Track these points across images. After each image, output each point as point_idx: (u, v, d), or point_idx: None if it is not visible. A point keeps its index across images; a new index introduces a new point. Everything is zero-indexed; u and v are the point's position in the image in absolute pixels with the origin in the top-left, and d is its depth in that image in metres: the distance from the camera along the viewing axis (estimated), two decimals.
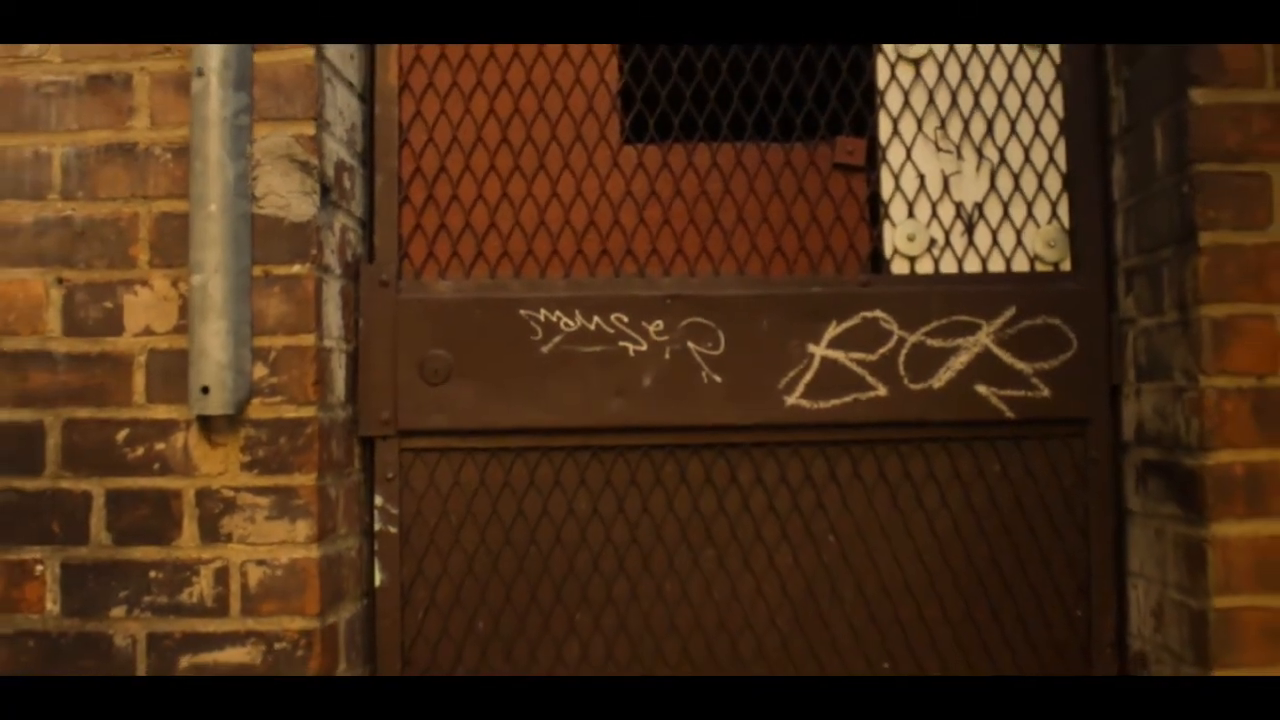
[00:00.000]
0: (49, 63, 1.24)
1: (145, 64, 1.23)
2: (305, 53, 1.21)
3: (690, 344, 1.36)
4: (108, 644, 1.20)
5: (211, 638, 1.18)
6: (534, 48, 1.41)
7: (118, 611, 1.19)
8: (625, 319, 1.36)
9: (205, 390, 1.16)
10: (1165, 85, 1.26)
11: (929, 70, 1.42)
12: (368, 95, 1.39)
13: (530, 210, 1.41)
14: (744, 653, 1.36)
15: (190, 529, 1.19)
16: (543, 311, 1.35)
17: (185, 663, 1.18)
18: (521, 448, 1.36)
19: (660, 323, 1.36)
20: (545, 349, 1.35)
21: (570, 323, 1.35)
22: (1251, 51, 1.21)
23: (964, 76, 1.42)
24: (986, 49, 1.42)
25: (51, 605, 1.20)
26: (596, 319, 1.35)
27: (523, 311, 1.35)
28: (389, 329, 1.34)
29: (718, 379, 1.35)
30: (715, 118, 1.42)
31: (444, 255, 1.40)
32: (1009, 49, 1.42)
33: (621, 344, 1.36)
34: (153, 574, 1.19)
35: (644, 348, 1.36)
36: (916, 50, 1.42)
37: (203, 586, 1.19)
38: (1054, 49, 1.42)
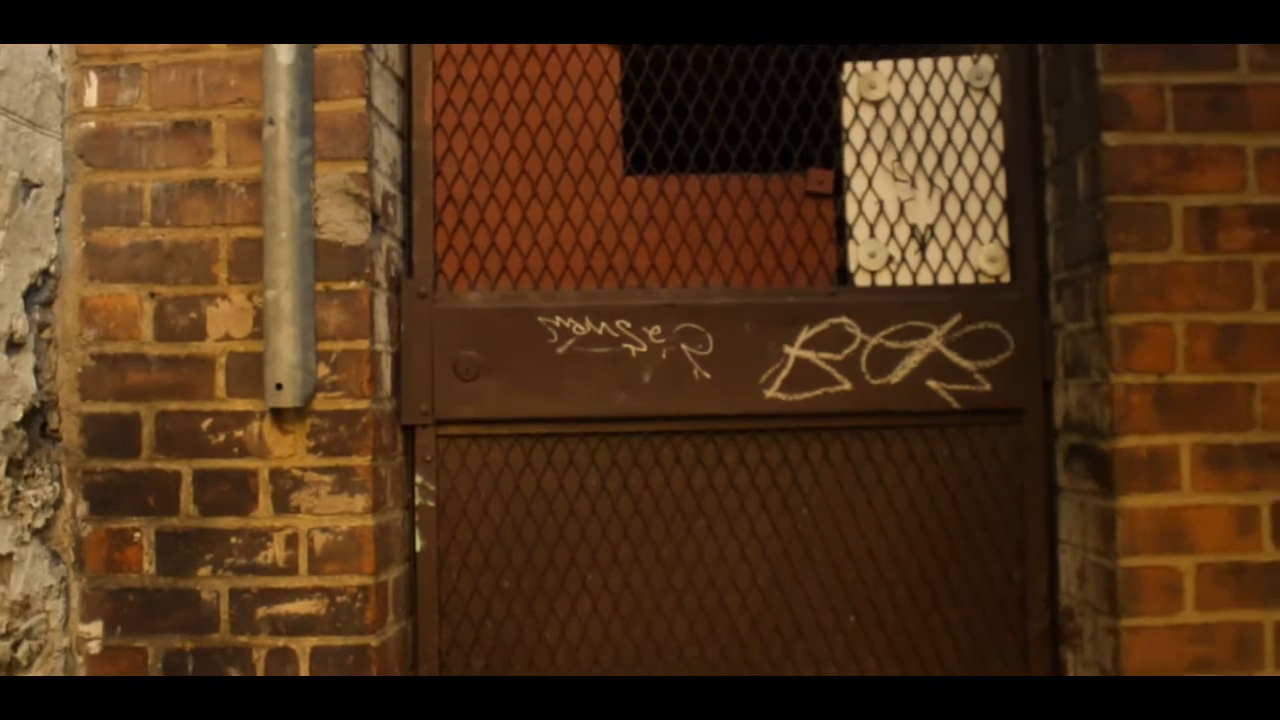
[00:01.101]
0: (140, 110, 1.44)
1: (222, 112, 1.43)
2: (357, 103, 1.41)
3: (683, 346, 1.56)
4: (196, 598, 1.40)
5: (283, 592, 1.39)
6: (549, 92, 1.61)
7: (204, 571, 1.40)
8: (628, 325, 1.55)
9: (279, 387, 1.36)
10: (1085, 128, 1.45)
11: (887, 111, 1.62)
12: (406, 134, 1.59)
13: (546, 232, 1.61)
14: (730, 606, 1.56)
15: (265, 502, 1.40)
16: (557, 318, 1.55)
17: (261, 613, 1.39)
18: (540, 434, 1.56)
19: (658, 328, 1.55)
20: (560, 350, 1.55)
21: (581, 328, 1.55)
22: (1155, 100, 1.41)
23: (917, 116, 1.62)
24: (938, 91, 1.62)
25: (148, 566, 1.41)
26: (604, 324, 1.55)
27: (540, 318, 1.55)
28: (427, 334, 1.54)
29: (707, 375, 1.55)
30: (704, 153, 1.62)
31: (473, 270, 1.60)
32: (956, 92, 1.62)
33: (625, 346, 1.56)
34: (233, 540, 1.40)
35: (644, 349, 1.56)
36: (877, 94, 1.61)
37: (276, 550, 1.39)
38: (995, 92, 1.61)
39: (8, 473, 1.30)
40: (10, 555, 1.30)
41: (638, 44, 1.64)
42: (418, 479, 1.55)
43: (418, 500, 1.55)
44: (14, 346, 1.33)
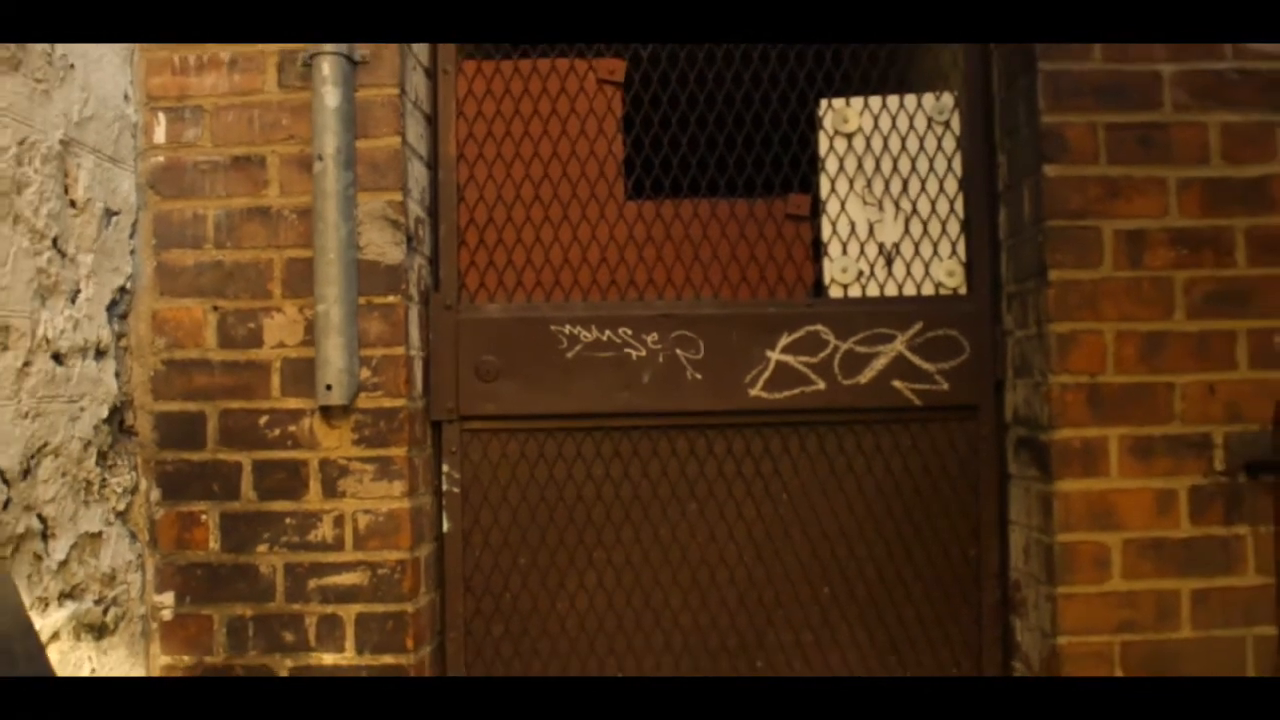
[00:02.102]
0: (203, 146, 1.62)
1: (275, 148, 1.62)
2: (394, 141, 1.60)
3: (678, 350, 1.74)
4: (255, 571, 1.59)
5: (331, 566, 1.58)
6: (559, 126, 1.80)
7: (262, 548, 1.59)
8: (629, 332, 1.74)
9: (328, 388, 1.55)
10: (1030, 159, 1.63)
11: (858, 142, 1.80)
12: (433, 164, 1.77)
13: (556, 250, 1.80)
14: (719, 579, 1.75)
15: (315, 488, 1.59)
16: (567, 327, 1.74)
17: (312, 584, 1.58)
18: (552, 429, 1.75)
19: (655, 335, 1.74)
20: (569, 355, 1.73)
21: (588, 335, 1.74)
22: (1089, 136, 1.59)
23: (885, 146, 1.80)
24: (903, 125, 1.80)
25: (213, 544, 1.60)
26: (607, 332, 1.74)
27: (552, 327, 1.74)
28: (452, 341, 1.73)
29: (699, 376, 1.74)
30: (696, 180, 1.80)
31: (492, 284, 1.79)
32: (920, 125, 1.80)
33: (626, 351, 1.74)
34: (287, 520, 1.59)
35: (643, 353, 1.74)
36: (850, 127, 1.80)
37: (325, 529, 1.58)
38: (955, 124, 1.79)
39: (97, 463, 1.50)
40: (100, 534, 1.50)
41: (638, 84, 1.82)
42: (445, 468, 1.74)
43: (445, 487, 1.74)
44: (100, 354, 1.52)
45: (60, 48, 1.42)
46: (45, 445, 1.38)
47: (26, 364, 1.34)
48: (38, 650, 0.95)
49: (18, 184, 1.33)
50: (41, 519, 1.37)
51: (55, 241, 1.41)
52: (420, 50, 1.72)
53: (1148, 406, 1.56)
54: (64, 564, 1.42)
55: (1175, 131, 1.59)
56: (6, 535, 1.28)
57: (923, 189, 1.80)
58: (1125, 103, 1.58)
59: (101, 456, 1.51)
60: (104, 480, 1.52)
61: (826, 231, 1.79)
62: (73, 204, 1.46)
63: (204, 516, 1.59)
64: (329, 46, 1.55)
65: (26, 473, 1.34)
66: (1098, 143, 1.58)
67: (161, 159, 1.62)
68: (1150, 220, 1.58)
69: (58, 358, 1.41)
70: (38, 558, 1.36)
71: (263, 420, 1.59)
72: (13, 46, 1.32)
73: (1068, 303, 1.57)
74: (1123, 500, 1.56)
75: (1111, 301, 1.57)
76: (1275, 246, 1.58)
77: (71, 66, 1.45)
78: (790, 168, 1.81)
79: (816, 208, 1.81)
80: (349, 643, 1.57)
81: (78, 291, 1.47)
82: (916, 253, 1.79)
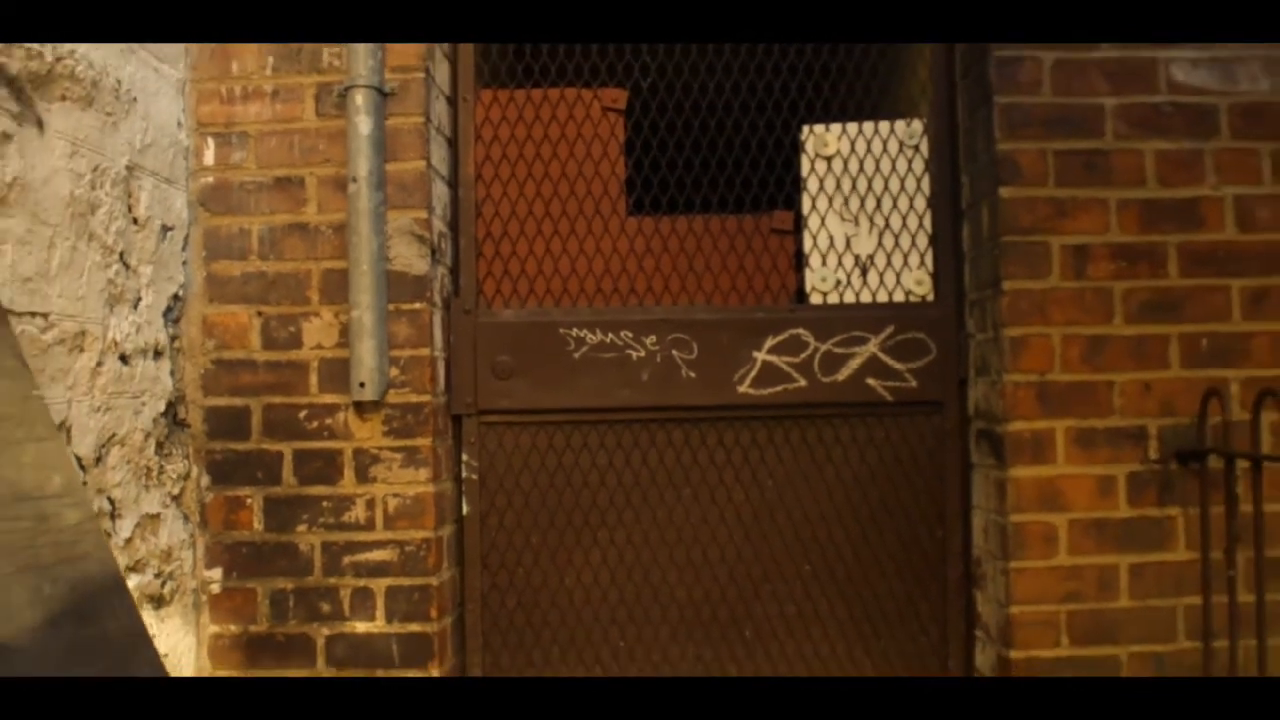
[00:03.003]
0: (248, 168, 1.78)
1: (313, 170, 1.78)
2: (419, 164, 1.76)
3: (674, 351, 1.91)
4: (295, 549, 1.75)
5: (364, 544, 1.74)
6: (567, 150, 1.96)
7: (301, 528, 1.75)
8: (630, 335, 1.90)
9: (362, 385, 1.71)
10: (988, 181, 1.80)
11: (837, 164, 1.97)
12: (454, 183, 1.94)
13: (564, 261, 1.96)
14: (711, 558, 1.92)
15: (349, 474, 1.75)
16: (574, 330, 1.90)
17: (346, 561, 1.74)
18: (560, 422, 1.92)
19: (654, 337, 1.90)
20: (576, 355, 1.90)
21: (593, 337, 1.90)
22: (1040, 162, 1.76)
23: (861, 168, 1.97)
24: (877, 149, 1.97)
25: (258, 525, 1.76)
26: (611, 335, 1.90)
27: (560, 330, 1.90)
28: (470, 342, 1.89)
29: (692, 375, 1.90)
30: (690, 198, 1.97)
31: (507, 292, 1.95)
32: (893, 149, 1.97)
33: (628, 351, 1.91)
34: (324, 503, 1.75)
35: (643, 354, 1.91)
36: (829, 151, 1.97)
37: (358, 511, 1.74)
38: (924, 149, 1.97)
39: (155, 452, 1.66)
40: (158, 515, 1.65)
41: (639, 111, 1.98)
42: (464, 457, 1.90)
43: (464, 474, 1.90)
44: (157, 355, 1.68)
45: (125, 82, 1.58)
46: (113, 436, 1.54)
47: (99, 364, 1.50)
48: (131, 605, 1.10)
49: (91, 206, 1.49)
50: (110, 501, 1.53)
51: (121, 255, 1.57)
52: (442, 81, 1.88)
53: (1090, 402, 1.74)
54: (129, 541, 1.58)
55: (1116, 158, 1.76)
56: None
57: (894, 206, 1.97)
58: (1071, 132, 1.76)
59: (159, 446, 1.67)
60: (161, 467, 1.68)
61: (808, 244, 1.96)
62: (135, 221, 1.62)
63: (249, 500, 1.75)
64: (362, 80, 1.71)
65: (98, 460, 1.50)
66: (1047, 167, 1.75)
67: (210, 179, 1.78)
68: (1093, 236, 1.75)
69: (124, 358, 1.57)
70: (107, 535, 1.52)
71: (302, 414, 1.75)
72: (87, 84, 1.48)
73: (1020, 309, 1.75)
74: (1068, 485, 1.73)
75: (1059, 309, 1.74)
76: (1203, 260, 1.76)
77: (134, 99, 1.61)
78: (775, 187, 1.98)
79: (799, 223, 1.97)
80: (379, 613, 1.73)
81: (139, 299, 1.63)
82: (889, 264, 1.96)
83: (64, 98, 1.42)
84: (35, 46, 1.34)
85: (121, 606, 1.07)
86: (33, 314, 1.35)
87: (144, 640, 1.09)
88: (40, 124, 1.37)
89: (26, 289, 1.33)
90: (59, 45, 1.39)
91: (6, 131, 1.29)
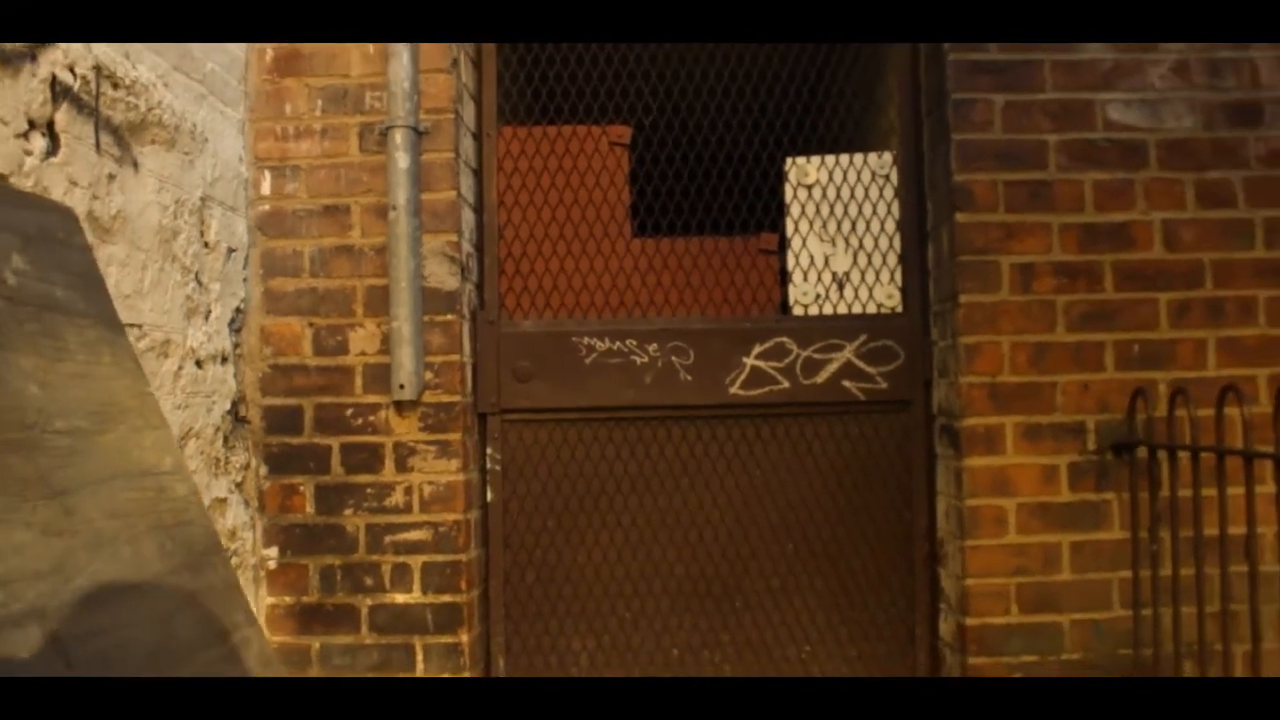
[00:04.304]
0: (300, 197, 2.00)
1: (357, 199, 2.00)
2: (450, 194, 1.98)
3: (673, 357, 2.13)
4: (342, 530, 1.97)
5: (402, 525, 1.96)
6: (579, 179, 2.19)
7: (348, 512, 1.96)
8: (634, 342, 2.12)
9: (401, 386, 1.93)
10: (947, 208, 2.03)
11: (816, 192, 2.19)
12: (479, 209, 2.16)
13: (577, 278, 2.19)
14: (705, 539, 2.14)
15: (389, 465, 1.96)
16: (585, 339, 2.12)
17: (387, 540, 1.96)
18: (573, 419, 2.14)
19: (655, 345, 2.12)
20: (587, 361, 2.12)
21: (602, 345, 2.12)
22: (991, 191, 1.98)
23: (838, 195, 2.19)
24: (852, 178, 2.20)
25: (309, 509, 1.97)
26: (617, 343, 2.12)
27: (573, 338, 2.12)
28: (494, 349, 2.11)
29: (689, 378, 2.12)
30: (688, 221, 2.19)
31: (526, 305, 2.17)
32: (866, 178, 2.19)
33: (632, 358, 2.13)
34: (368, 490, 1.96)
35: (646, 360, 2.13)
36: (810, 180, 2.19)
37: (398, 497, 1.96)
38: (894, 179, 2.19)
39: (222, 445, 1.87)
40: (225, 499, 1.87)
41: (641, 145, 2.21)
42: (489, 450, 2.12)
43: (488, 465, 2.12)
44: (224, 360, 1.90)
45: (199, 126, 1.80)
46: (190, 430, 1.76)
47: (179, 368, 1.72)
48: (227, 563, 1.32)
49: (174, 232, 1.71)
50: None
51: (196, 275, 1.79)
52: (469, 119, 2.10)
53: (1036, 400, 1.96)
54: None
55: (1058, 187, 1.98)
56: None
57: (867, 229, 2.19)
58: (1019, 164, 1.98)
59: (225, 440, 1.89)
60: (227, 458, 1.89)
61: (790, 263, 2.18)
62: (206, 245, 1.84)
63: (302, 487, 1.97)
64: (400, 121, 1.93)
65: (180, 450, 1.71)
66: (998, 196, 1.98)
67: (267, 207, 2.00)
68: (1038, 256, 1.97)
69: (198, 363, 1.79)
70: None
71: (348, 412, 1.97)
72: (171, 129, 1.70)
73: (974, 320, 1.96)
74: (1016, 473, 1.95)
75: (1008, 319, 1.96)
76: (1135, 276, 1.97)
77: (206, 140, 1.83)
78: (762, 212, 2.20)
79: (783, 244, 2.20)
80: (416, 585, 1.95)
81: (210, 312, 1.85)
82: (862, 279, 2.18)
83: (153, 141, 1.64)
84: (132, 99, 1.57)
85: (221, 563, 1.28)
86: (130, 325, 1.57)
87: (238, 591, 1.31)
88: (136, 165, 1.59)
89: (126, 304, 1.55)
90: (151, 96, 1.62)
91: (111, 173, 1.51)
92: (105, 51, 1.48)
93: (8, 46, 1.23)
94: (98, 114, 1.44)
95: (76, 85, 1.39)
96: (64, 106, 1.36)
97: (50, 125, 1.33)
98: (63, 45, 1.36)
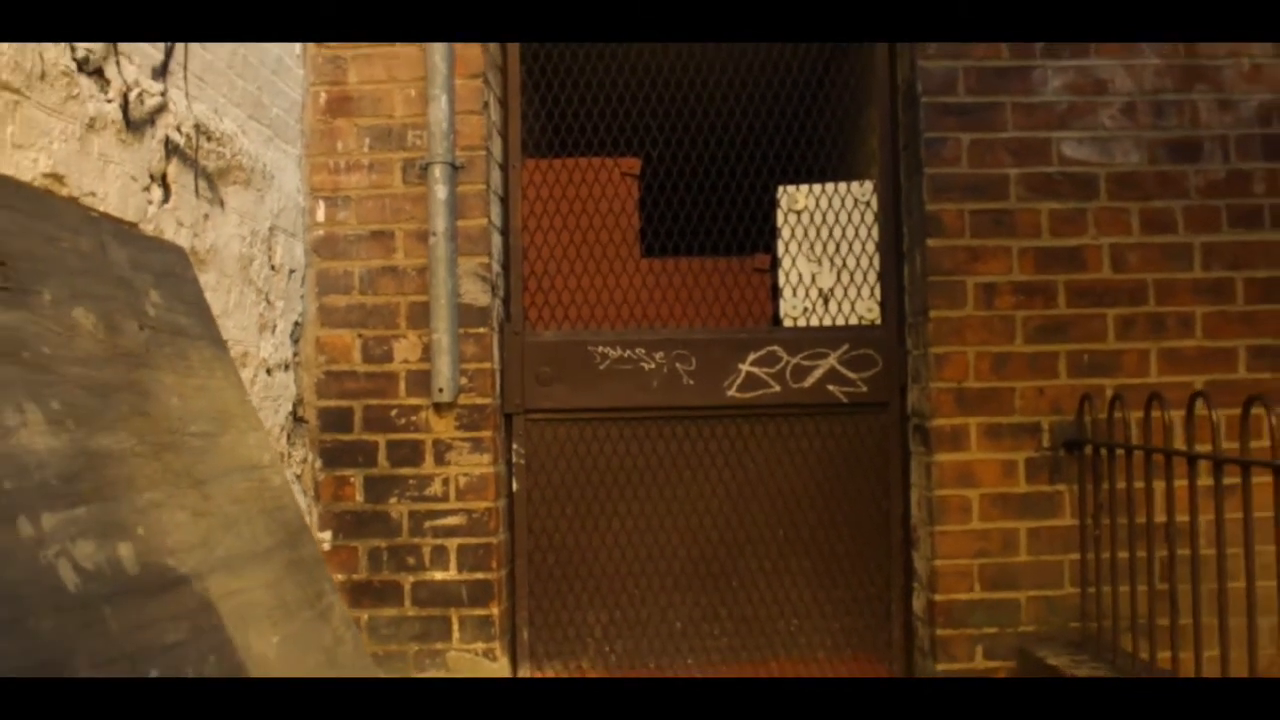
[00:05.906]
0: (350, 224, 2.28)
1: (401, 225, 2.27)
2: (482, 221, 2.26)
3: (677, 364, 2.40)
4: (387, 516, 2.25)
5: (440, 512, 2.24)
6: (594, 205, 2.46)
7: (393, 500, 2.25)
8: (643, 351, 2.40)
9: (440, 390, 2.21)
10: (919, 233, 2.29)
11: (805, 217, 2.46)
12: (506, 232, 2.43)
13: (591, 293, 2.46)
14: (706, 526, 2.41)
15: (429, 459, 2.25)
16: (600, 347, 2.40)
17: (427, 525, 2.24)
18: (589, 419, 2.41)
19: (661, 353, 2.40)
20: (602, 367, 2.39)
21: (614, 353, 2.40)
22: (958, 219, 2.25)
23: (824, 220, 2.46)
24: (837, 204, 2.47)
25: (359, 498, 2.26)
26: (628, 351, 2.40)
27: (589, 347, 2.39)
28: (519, 357, 2.39)
29: (691, 382, 2.40)
30: (690, 243, 2.47)
31: (547, 317, 2.45)
32: (849, 205, 2.46)
33: (641, 364, 2.40)
34: (410, 481, 2.25)
35: (653, 366, 2.40)
36: (799, 206, 2.46)
37: (436, 487, 2.24)
38: (874, 205, 2.46)
39: (286, 441, 2.16)
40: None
41: (649, 175, 2.48)
42: (515, 446, 2.40)
43: (514, 460, 2.40)
44: (286, 368, 2.18)
45: (268, 165, 2.08)
46: (261, 429, 2.04)
47: (255, 377, 2.00)
48: (315, 541, 1.60)
49: (250, 259, 1.99)
50: None
51: (266, 295, 2.07)
52: (497, 153, 2.38)
53: (996, 403, 2.23)
54: None
55: (1018, 215, 2.25)
56: None
57: (850, 250, 2.46)
58: (983, 195, 2.25)
59: (288, 437, 2.17)
60: (289, 453, 2.18)
61: (781, 280, 2.46)
62: (273, 268, 2.12)
63: (352, 479, 2.25)
64: (439, 158, 2.21)
65: None
66: (964, 223, 2.24)
67: (321, 233, 2.27)
68: (999, 276, 2.24)
69: (268, 371, 2.07)
70: None
71: (393, 413, 2.25)
72: (248, 170, 1.98)
73: (942, 332, 2.23)
74: (979, 467, 2.22)
75: (972, 332, 2.23)
76: (1085, 294, 2.24)
77: (273, 176, 2.11)
78: (756, 235, 2.48)
79: (775, 263, 2.47)
80: (452, 565, 2.23)
81: (276, 326, 2.13)
82: (845, 295, 2.45)
83: (234, 182, 1.92)
84: (220, 149, 1.84)
85: (309, 541, 1.57)
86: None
87: (323, 564, 1.59)
88: (223, 204, 1.87)
89: (218, 324, 1.83)
90: (234, 144, 1.89)
91: (206, 213, 1.79)
92: (202, 110, 1.75)
93: (137, 115, 1.51)
94: (196, 164, 1.72)
95: (183, 142, 1.66)
96: (174, 161, 1.63)
97: (164, 177, 1.61)
98: (173, 109, 1.63)
